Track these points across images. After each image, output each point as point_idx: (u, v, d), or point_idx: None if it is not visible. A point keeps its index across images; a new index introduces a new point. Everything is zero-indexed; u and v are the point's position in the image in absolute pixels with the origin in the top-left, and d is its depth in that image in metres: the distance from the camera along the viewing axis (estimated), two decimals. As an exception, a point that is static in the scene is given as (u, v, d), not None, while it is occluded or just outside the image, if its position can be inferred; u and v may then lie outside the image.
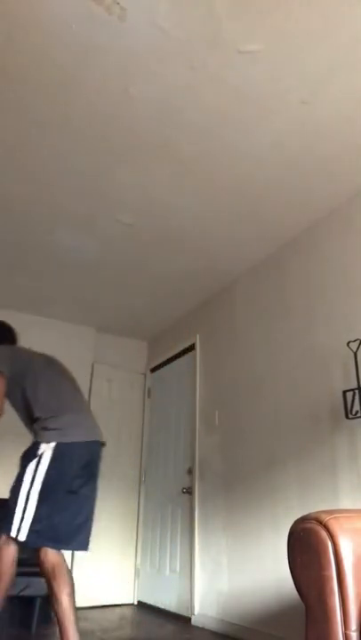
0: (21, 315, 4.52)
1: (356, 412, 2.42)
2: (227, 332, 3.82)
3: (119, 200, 2.95)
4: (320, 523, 1.27)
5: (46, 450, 2.12)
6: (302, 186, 2.78)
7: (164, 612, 3.76)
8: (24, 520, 1.99)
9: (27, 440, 2.27)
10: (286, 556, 1.38)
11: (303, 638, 1.27)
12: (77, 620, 1.98)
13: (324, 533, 1.25)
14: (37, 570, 3.39)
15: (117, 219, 3.13)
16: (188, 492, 3.79)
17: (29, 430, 2.31)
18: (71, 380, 2.42)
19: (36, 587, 3.19)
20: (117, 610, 3.97)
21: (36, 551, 2.02)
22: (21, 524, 1.98)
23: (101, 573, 4.18)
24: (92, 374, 4.71)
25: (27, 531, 1.97)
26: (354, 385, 2.47)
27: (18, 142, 2.50)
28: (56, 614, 1.96)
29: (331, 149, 2.51)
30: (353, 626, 1.17)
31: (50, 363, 2.43)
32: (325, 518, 1.28)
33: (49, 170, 2.70)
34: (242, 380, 3.49)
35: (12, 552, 2.01)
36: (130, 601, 4.23)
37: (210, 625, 3.18)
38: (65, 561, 2.04)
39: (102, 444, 2.27)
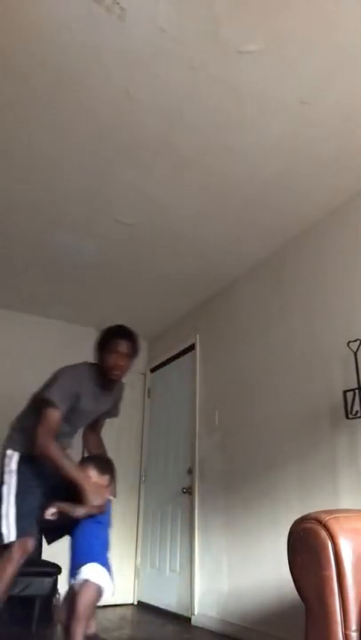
0: (21, 315, 4.52)
1: (356, 411, 2.42)
2: (227, 332, 3.82)
3: (119, 200, 2.95)
4: (320, 523, 1.28)
5: None
6: (302, 186, 2.78)
7: (164, 612, 3.75)
8: None
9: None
10: (286, 556, 1.38)
11: (303, 638, 1.27)
12: None
13: (323, 533, 1.25)
14: (38, 570, 3.38)
15: (117, 219, 3.13)
16: (188, 491, 3.79)
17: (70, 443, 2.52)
18: None
19: (36, 587, 3.19)
20: (117, 610, 3.96)
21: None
22: None
23: (101, 573, 4.17)
24: (92, 374, 4.70)
25: None
26: (354, 385, 2.47)
27: (18, 142, 2.50)
28: None
29: (330, 149, 2.51)
30: (353, 626, 1.17)
31: None
32: (325, 518, 1.28)
33: (49, 170, 2.70)
34: (242, 380, 3.49)
35: None
36: (130, 601, 4.22)
37: (210, 625, 3.18)
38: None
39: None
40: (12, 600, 3.25)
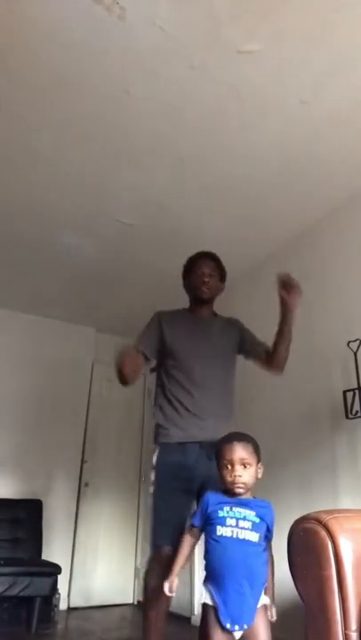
0: (21, 315, 4.51)
1: (356, 411, 2.42)
2: (227, 332, 3.81)
3: (119, 200, 2.94)
4: (320, 523, 1.28)
5: None
6: (302, 186, 2.78)
7: (164, 612, 3.75)
8: None
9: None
10: (286, 556, 1.38)
11: (303, 638, 1.27)
12: None
13: (323, 533, 1.25)
14: (38, 570, 3.35)
15: (117, 219, 3.13)
16: (188, 491, 3.79)
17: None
18: None
19: (36, 587, 3.19)
20: (117, 610, 3.96)
21: None
22: None
23: (101, 573, 4.18)
24: (91, 374, 4.71)
25: None
26: (354, 385, 2.47)
27: (18, 142, 2.50)
28: None
29: (330, 149, 2.51)
30: (353, 626, 1.17)
31: None
32: (325, 518, 1.28)
33: (49, 170, 2.69)
34: (241, 380, 3.48)
35: None
36: (130, 601, 4.22)
37: (210, 625, 3.17)
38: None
39: None
40: (11, 600, 3.27)
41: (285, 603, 2.64)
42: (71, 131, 2.42)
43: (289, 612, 2.59)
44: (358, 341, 2.50)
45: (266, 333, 3.33)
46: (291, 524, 1.39)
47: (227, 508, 1.48)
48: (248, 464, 1.51)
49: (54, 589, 3.37)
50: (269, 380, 3.19)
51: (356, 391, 2.44)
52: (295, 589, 1.31)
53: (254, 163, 2.62)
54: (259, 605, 1.47)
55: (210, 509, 1.49)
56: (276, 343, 2.05)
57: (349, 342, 2.55)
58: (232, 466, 1.50)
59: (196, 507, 1.80)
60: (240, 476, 1.48)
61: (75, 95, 2.21)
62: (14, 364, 4.32)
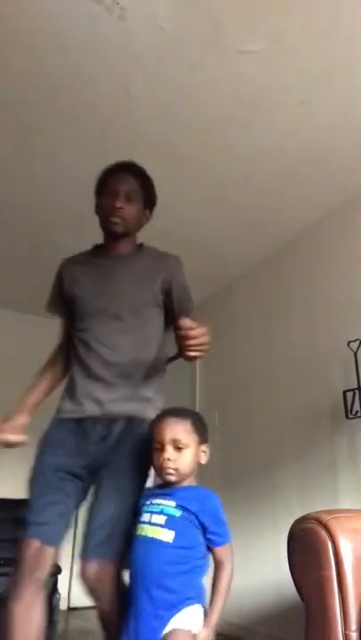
0: (21, 315, 4.51)
1: (356, 411, 2.42)
2: (227, 333, 3.81)
3: (119, 200, 2.94)
4: (320, 523, 1.27)
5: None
6: (301, 186, 2.78)
7: (164, 612, 3.75)
8: None
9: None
10: (286, 556, 1.38)
11: (303, 638, 1.27)
12: None
13: (324, 533, 1.25)
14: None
15: (117, 219, 3.13)
16: (188, 492, 3.78)
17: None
18: None
19: (36, 587, 3.18)
20: (117, 610, 3.96)
21: None
22: None
23: (101, 573, 4.17)
24: (92, 374, 4.70)
25: None
26: (354, 385, 2.47)
27: (18, 142, 2.50)
28: None
29: (330, 149, 2.51)
30: (353, 626, 1.17)
31: None
32: (325, 518, 1.28)
33: (49, 170, 2.70)
34: (242, 380, 3.49)
35: None
36: (130, 601, 4.22)
37: (210, 625, 3.17)
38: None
39: None
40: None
41: (285, 603, 2.64)
42: (71, 130, 2.42)
43: (289, 612, 2.59)
44: (358, 341, 2.50)
45: (267, 335, 3.34)
46: (291, 524, 1.39)
47: (148, 501, 1.24)
48: (183, 446, 1.23)
49: (54, 589, 3.36)
50: (270, 380, 3.19)
51: (356, 391, 2.44)
52: (295, 589, 1.31)
53: (254, 163, 2.62)
54: (173, 628, 1.08)
55: (139, 503, 1.27)
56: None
57: (349, 342, 2.55)
58: (162, 446, 1.23)
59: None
60: (170, 459, 1.21)
61: (75, 95, 2.21)
62: (14, 364, 4.31)
